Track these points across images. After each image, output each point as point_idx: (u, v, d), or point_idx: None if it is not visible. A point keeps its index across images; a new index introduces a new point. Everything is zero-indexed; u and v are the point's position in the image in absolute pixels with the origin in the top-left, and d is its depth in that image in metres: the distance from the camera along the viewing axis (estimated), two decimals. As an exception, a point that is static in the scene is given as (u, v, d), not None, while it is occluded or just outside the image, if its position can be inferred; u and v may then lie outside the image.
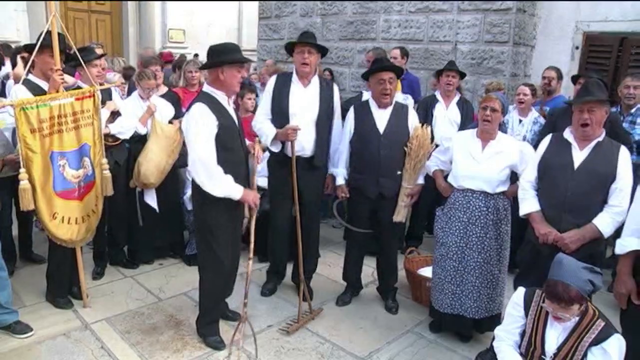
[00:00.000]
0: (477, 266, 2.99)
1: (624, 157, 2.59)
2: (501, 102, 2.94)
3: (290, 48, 3.31)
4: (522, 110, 4.26)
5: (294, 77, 3.32)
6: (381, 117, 3.30)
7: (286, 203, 3.41)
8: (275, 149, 3.32)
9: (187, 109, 2.64)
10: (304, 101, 3.29)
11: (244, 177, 2.79)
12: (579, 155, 2.62)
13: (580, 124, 2.59)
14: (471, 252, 2.99)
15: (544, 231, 2.66)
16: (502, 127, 3.20)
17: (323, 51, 3.32)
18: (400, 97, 4.44)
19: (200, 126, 2.55)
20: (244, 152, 2.79)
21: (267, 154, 3.53)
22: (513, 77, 5.55)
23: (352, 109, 3.43)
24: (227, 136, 2.63)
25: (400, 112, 3.35)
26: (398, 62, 4.90)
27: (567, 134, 2.70)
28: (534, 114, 4.28)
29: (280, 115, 3.29)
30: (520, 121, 4.25)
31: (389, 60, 3.37)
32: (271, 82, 3.37)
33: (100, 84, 3.43)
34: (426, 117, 4.31)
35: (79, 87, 3.37)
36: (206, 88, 2.68)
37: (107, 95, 3.63)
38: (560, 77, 4.64)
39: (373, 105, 3.35)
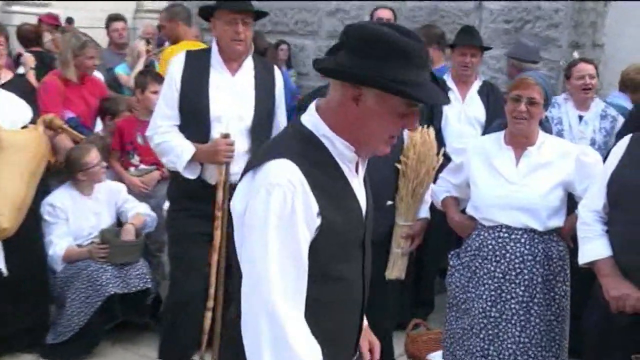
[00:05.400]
0: (518, 349, 3.01)
1: None
2: (543, 87, 3.00)
3: (208, 12, 3.36)
4: (583, 102, 4.37)
5: (216, 58, 3.37)
6: None
7: (200, 258, 3.42)
8: (192, 174, 3.35)
9: (255, 166, 1.85)
10: (232, 98, 3.36)
11: (351, 333, 2.08)
12: None
13: None
14: (510, 326, 3.02)
15: (617, 293, 2.69)
16: (544, 125, 3.26)
17: (259, 17, 3.46)
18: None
19: (283, 221, 1.74)
20: (363, 278, 2.03)
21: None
22: (574, 49, 5.68)
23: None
24: (339, 245, 1.88)
25: None
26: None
27: None
28: (599, 104, 4.42)
29: (195, 121, 3.33)
30: (581, 118, 4.37)
31: None
32: (176, 65, 3.41)
33: None
34: (433, 114, 4.39)
35: None
36: (312, 117, 1.87)
37: None
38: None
39: None
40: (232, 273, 2.06)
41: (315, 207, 1.75)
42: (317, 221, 1.76)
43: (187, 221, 3.43)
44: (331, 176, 1.83)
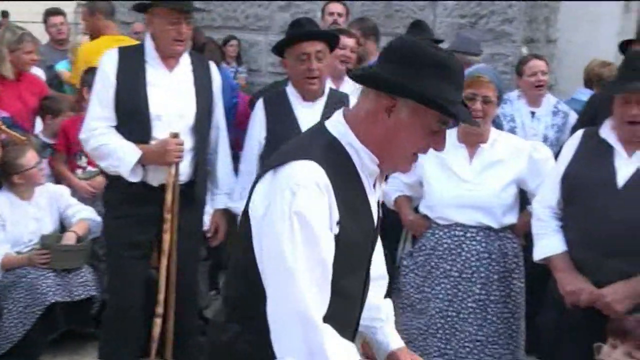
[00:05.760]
0: (475, 347, 3.07)
1: None
2: (496, 85, 3.04)
3: (145, 6, 3.33)
4: (535, 98, 4.47)
5: (151, 54, 3.34)
6: (308, 116, 3.36)
7: (140, 268, 3.42)
8: (135, 178, 3.31)
9: (276, 165, 1.81)
10: (172, 95, 3.33)
11: (350, 330, 2.06)
12: (625, 166, 2.76)
13: (626, 121, 2.72)
14: (466, 325, 3.07)
15: (572, 288, 2.76)
16: (495, 122, 3.31)
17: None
18: (350, 83, 4.51)
19: (308, 219, 1.70)
20: (362, 298, 2.05)
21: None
22: (529, 45, 5.77)
23: (260, 104, 3.50)
24: (348, 258, 1.85)
25: (337, 105, 3.38)
26: (342, 22, 5.00)
27: (606, 132, 2.85)
28: (550, 100, 4.53)
29: (134, 120, 3.29)
30: (533, 114, 4.48)
31: (316, 24, 3.49)
32: (108, 62, 3.35)
33: None
34: None
35: None
36: (339, 124, 1.86)
37: None
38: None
39: (294, 98, 3.42)
40: (227, 277, 2.07)
41: (336, 214, 1.73)
42: (336, 229, 1.74)
43: (126, 228, 3.38)
44: (352, 187, 1.81)
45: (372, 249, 2.00)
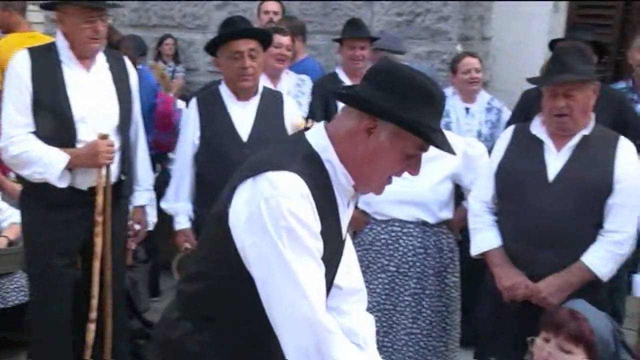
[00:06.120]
0: (410, 339, 3.14)
1: (626, 156, 2.79)
2: None
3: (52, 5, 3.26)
4: (469, 95, 4.56)
5: (66, 54, 3.24)
6: (242, 115, 3.38)
7: (66, 274, 3.38)
8: (63, 183, 3.22)
9: (256, 173, 1.79)
10: (93, 95, 3.27)
11: None
12: (555, 160, 2.84)
13: (554, 114, 2.80)
14: (402, 317, 3.14)
15: (509, 283, 2.83)
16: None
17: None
18: (292, 79, 4.54)
19: (299, 228, 1.71)
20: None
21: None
22: (464, 42, 5.87)
23: (193, 103, 3.47)
24: (327, 263, 1.86)
25: (271, 104, 3.45)
26: (277, 20, 4.99)
27: (536, 128, 2.92)
28: (484, 97, 4.64)
29: (56, 124, 3.19)
30: (468, 110, 4.57)
31: (249, 23, 3.46)
32: (20, 64, 3.18)
33: None
34: (328, 109, 4.38)
35: None
36: (322, 139, 1.85)
37: None
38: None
39: (227, 97, 3.41)
40: (186, 272, 2.03)
41: (319, 227, 1.73)
42: (320, 232, 1.74)
43: (52, 234, 3.29)
44: (327, 202, 1.80)
45: (337, 266, 1.99)
